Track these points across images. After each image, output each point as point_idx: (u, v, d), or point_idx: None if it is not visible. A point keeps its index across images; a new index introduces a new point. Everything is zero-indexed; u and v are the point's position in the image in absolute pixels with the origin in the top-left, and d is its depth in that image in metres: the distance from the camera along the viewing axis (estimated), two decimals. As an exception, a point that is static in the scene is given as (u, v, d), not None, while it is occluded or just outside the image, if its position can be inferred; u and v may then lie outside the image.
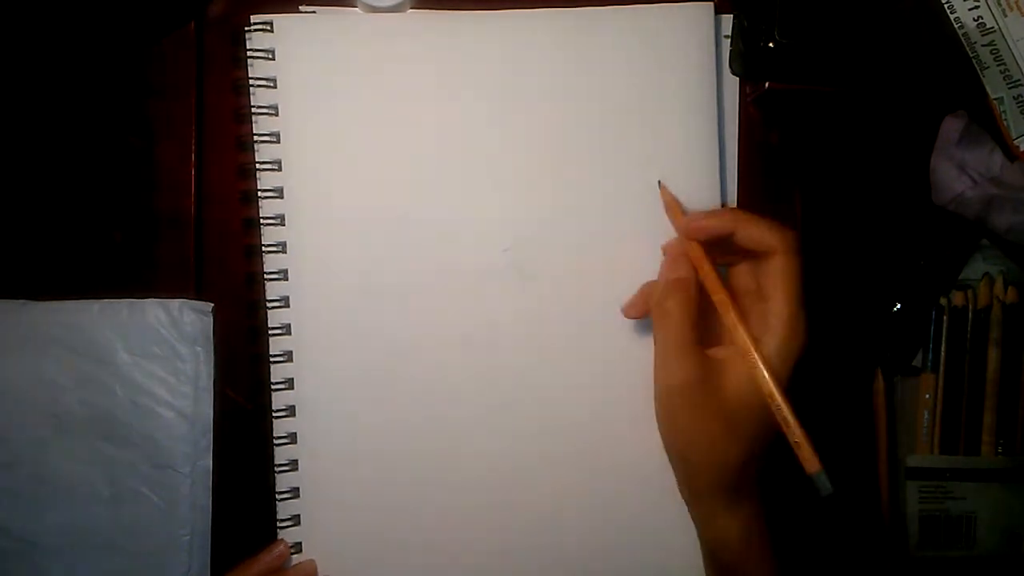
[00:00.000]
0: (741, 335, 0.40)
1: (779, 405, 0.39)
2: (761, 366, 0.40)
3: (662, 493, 0.44)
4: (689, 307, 0.41)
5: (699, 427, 0.40)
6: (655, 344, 0.42)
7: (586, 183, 0.46)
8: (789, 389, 0.40)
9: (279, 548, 0.45)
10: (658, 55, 0.47)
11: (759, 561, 0.41)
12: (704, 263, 0.42)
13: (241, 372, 0.47)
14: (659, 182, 0.45)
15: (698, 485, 0.42)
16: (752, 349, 0.40)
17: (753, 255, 0.42)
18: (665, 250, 0.45)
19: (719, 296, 0.42)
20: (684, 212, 0.45)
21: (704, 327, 0.42)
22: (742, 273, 0.43)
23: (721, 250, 0.43)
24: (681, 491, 0.43)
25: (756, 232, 0.41)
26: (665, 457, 0.43)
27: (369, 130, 0.46)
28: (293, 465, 0.46)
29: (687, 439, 0.41)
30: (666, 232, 0.45)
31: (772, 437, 0.40)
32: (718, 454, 0.40)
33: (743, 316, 0.41)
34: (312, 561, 0.46)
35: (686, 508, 0.44)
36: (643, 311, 0.44)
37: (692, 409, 0.40)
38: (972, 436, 0.49)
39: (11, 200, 0.46)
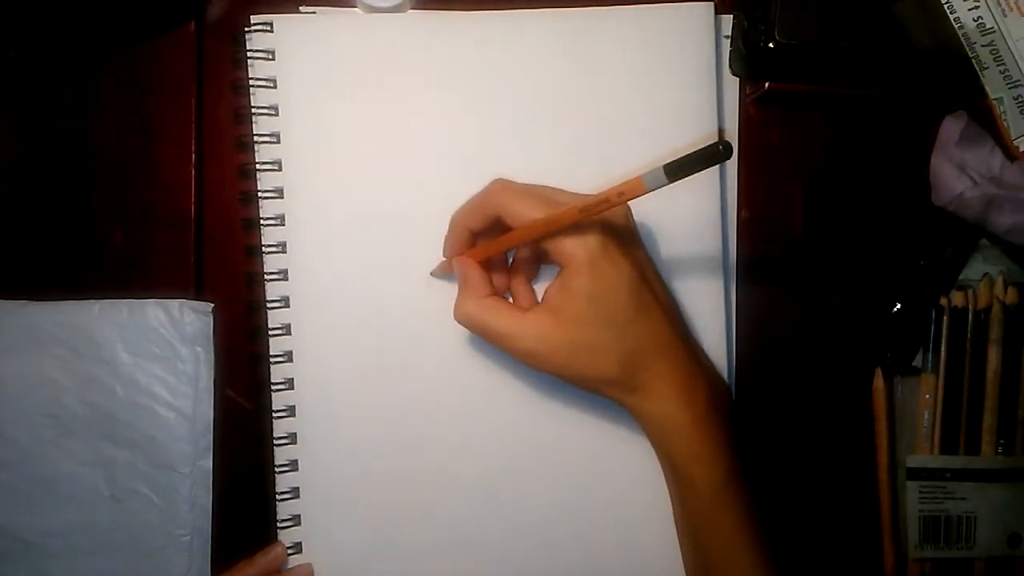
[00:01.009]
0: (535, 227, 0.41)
1: (575, 209, 0.39)
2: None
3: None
4: (482, 300, 0.42)
5: (567, 363, 0.42)
6: (492, 342, 0.43)
7: (586, 183, 0.46)
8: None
9: (275, 550, 0.45)
10: (658, 55, 0.47)
11: (689, 441, 0.42)
12: (485, 248, 0.43)
13: (241, 372, 0.47)
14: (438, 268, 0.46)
15: (596, 390, 0.43)
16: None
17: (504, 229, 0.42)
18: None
19: (512, 236, 0.42)
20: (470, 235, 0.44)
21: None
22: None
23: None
24: None
25: (483, 208, 0.42)
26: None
27: (369, 130, 0.46)
28: (293, 465, 0.46)
29: (560, 374, 0.42)
30: (667, 228, 0.46)
31: (643, 326, 0.41)
32: (597, 371, 0.42)
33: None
34: (309, 564, 0.46)
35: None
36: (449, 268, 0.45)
37: (554, 355, 0.41)
38: (972, 436, 0.49)
39: (11, 200, 0.46)
